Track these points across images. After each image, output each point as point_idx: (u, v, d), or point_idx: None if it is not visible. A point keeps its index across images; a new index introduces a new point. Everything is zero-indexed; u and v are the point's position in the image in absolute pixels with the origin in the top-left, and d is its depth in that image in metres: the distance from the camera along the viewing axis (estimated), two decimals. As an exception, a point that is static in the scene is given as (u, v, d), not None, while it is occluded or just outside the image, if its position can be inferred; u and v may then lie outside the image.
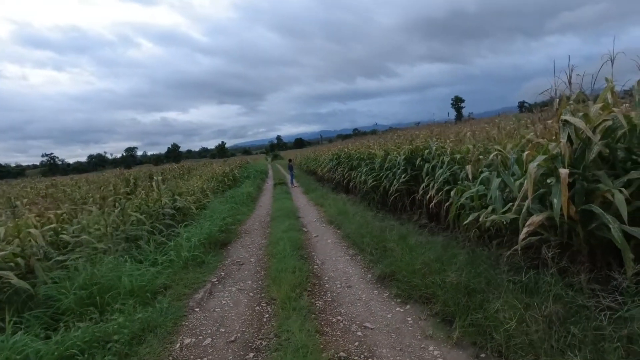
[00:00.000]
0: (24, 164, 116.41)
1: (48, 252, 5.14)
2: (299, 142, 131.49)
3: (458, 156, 6.32)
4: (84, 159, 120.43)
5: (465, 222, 4.65)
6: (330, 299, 3.92)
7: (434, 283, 3.42)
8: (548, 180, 3.04)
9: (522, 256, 3.19)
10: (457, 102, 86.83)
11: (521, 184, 3.28)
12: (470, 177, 5.09)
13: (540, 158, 2.83)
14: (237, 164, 27.62)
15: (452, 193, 5.70)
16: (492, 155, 3.99)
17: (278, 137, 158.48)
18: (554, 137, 3.23)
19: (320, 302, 3.86)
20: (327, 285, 4.37)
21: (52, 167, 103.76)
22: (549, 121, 3.41)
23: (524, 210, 3.01)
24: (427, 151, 7.53)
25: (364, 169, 10.53)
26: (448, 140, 7.33)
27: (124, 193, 8.96)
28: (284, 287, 3.99)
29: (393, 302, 3.63)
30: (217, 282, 4.84)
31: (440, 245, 4.39)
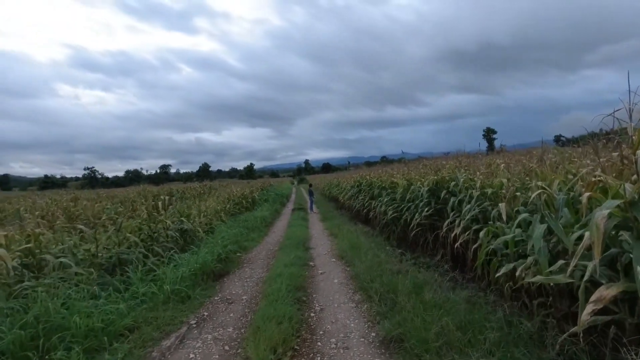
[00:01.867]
0: (68, 175, 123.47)
1: (21, 275, 4.68)
2: (327, 167, 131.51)
3: (489, 191, 5.43)
4: (121, 173, 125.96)
5: (497, 275, 3.74)
6: (318, 367, 3.10)
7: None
8: (620, 237, 2.16)
9: (581, 339, 2.29)
10: (489, 133, 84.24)
11: (579, 237, 2.41)
12: (504, 217, 4.20)
13: (611, 204, 1.98)
14: (258, 186, 27.36)
15: (481, 234, 4.81)
16: (534, 194, 3.13)
17: (306, 161, 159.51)
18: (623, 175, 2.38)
19: (304, 371, 3.04)
20: (319, 343, 3.54)
21: (92, 180, 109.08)
22: (615, 154, 2.56)
23: (586, 275, 2.13)
24: (453, 183, 6.65)
25: (385, 199, 9.69)
26: (478, 172, 6.44)
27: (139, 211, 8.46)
28: (262, 345, 3.21)
29: (397, 381, 2.75)
30: (195, 325, 4.12)
31: (464, 304, 3.48)
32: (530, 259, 3.37)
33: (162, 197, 8.64)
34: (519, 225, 3.95)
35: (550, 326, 3.09)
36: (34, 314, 3.46)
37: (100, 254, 5.95)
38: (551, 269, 2.61)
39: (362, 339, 3.53)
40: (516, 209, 4.50)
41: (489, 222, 5.01)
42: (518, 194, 4.44)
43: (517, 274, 3.41)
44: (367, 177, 13.58)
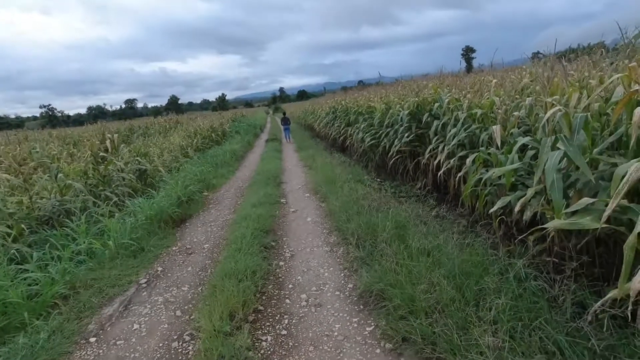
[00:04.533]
0: (23, 115, 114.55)
1: None
2: (302, 94, 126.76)
3: (478, 112, 4.77)
4: (84, 110, 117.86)
5: (491, 210, 3.24)
6: (285, 332, 2.61)
7: (450, 338, 2.05)
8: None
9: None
10: (468, 52, 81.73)
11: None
12: (498, 141, 3.59)
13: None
14: (229, 117, 25.78)
15: (468, 161, 4.25)
16: (549, 113, 2.45)
17: (281, 89, 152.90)
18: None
19: (268, 340, 2.54)
20: (287, 301, 3.05)
21: (51, 119, 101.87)
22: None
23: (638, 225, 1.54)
24: (436, 105, 5.94)
25: (362, 125, 8.96)
26: (464, 92, 5.71)
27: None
28: (217, 310, 2.67)
29: (379, 349, 2.30)
30: (145, 285, 3.55)
31: (456, 249, 2.98)
32: (530, 191, 2.83)
33: (108, 135, 7.54)
34: (509, 151, 3.37)
35: (551, 269, 2.68)
36: None
37: (37, 206, 5.14)
38: (572, 209, 2.04)
39: (338, 293, 3.06)
40: (511, 131, 3.90)
41: (478, 148, 4.46)
42: (516, 113, 3.77)
43: (517, 209, 2.90)
44: (343, 102, 12.62)
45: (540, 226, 2.43)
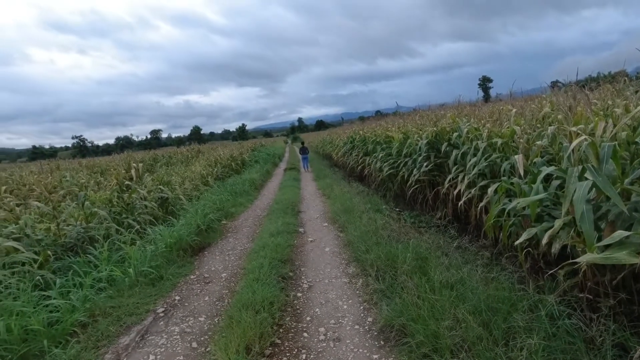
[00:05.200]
0: (57, 145, 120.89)
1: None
2: (320, 124, 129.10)
3: (499, 141, 4.72)
4: (112, 141, 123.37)
5: (517, 242, 3.11)
6: (302, 368, 2.52)
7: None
8: None
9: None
10: (485, 82, 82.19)
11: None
12: (521, 171, 3.51)
13: None
14: (248, 146, 26.38)
15: (489, 190, 4.16)
16: (575, 142, 2.39)
17: (299, 119, 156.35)
18: None
19: (284, 376, 2.46)
20: (305, 334, 2.96)
21: (82, 149, 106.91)
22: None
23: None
24: (455, 134, 5.91)
25: (380, 155, 8.99)
26: (483, 121, 5.70)
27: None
28: (234, 343, 2.61)
29: (401, 390, 2.18)
30: (162, 315, 3.53)
31: (481, 283, 2.85)
32: (558, 223, 2.72)
33: (134, 164, 7.81)
34: (534, 181, 3.28)
35: (585, 306, 2.52)
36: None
37: (63, 233, 5.28)
38: (605, 242, 1.94)
39: (357, 327, 2.95)
40: (534, 160, 3.82)
41: (499, 178, 4.37)
42: (539, 142, 3.71)
43: (544, 241, 2.78)
44: (361, 132, 12.76)
45: (571, 260, 2.31)
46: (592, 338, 2.02)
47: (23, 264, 4.12)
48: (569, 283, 2.79)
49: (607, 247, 1.96)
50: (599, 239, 2.11)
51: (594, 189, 2.31)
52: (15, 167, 22.36)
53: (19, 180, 10.92)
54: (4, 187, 8.73)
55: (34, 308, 3.18)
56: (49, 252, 4.56)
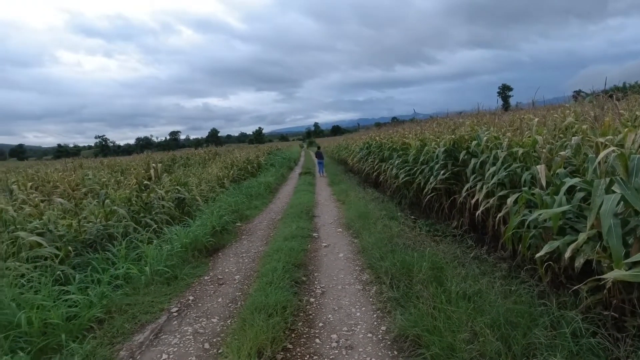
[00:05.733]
0: (81, 144, 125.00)
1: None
2: (336, 130, 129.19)
3: (520, 151, 4.61)
4: (132, 141, 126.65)
5: (537, 255, 3.02)
6: (313, 375, 2.50)
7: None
8: None
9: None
10: (505, 91, 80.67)
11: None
12: (543, 182, 3.41)
13: None
14: (264, 150, 26.61)
15: (509, 201, 4.06)
16: (602, 154, 2.31)
17: (315, 124, 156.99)
18: None
19: (296, 382, 2.44)
20: (317, 340, 2.93)
21: (104, 149, 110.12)
22: None
23: None
24: (474, 143, 5.81)
25: (396, 162, 8.91)
26: (503, 130, 5.59)
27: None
28: (246, 345, 2.61)
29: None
30: (175, 314, 3.57)
31: (500, 296, 2.77)
32: (582, 237, 2.63)
33: (153, 164, 7.96)
34: (557, 192, 3.19)
35: (610, 325, 2.41)
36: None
37: (84, 230, 5.42)
38: (634, 258, 1.86)
39: (370, 335, 2.91)
40: (557, 171, 3.72)
41: (519, 188, 4.26)
42: (563, 153, 3.61)
43: (567, 255, 2.69)
44: (377, 138, 12.70)
45: (597, 277, 2.22)
46: (619, 359, 1.93)
47: (45, 259, 4.25)
48: (592, 299, 2.70)
49: (634, 263, 1.88)
50: (627, 255, 2.03)
51: (621, 202, 2.22)
52: (41, 164, 23.18)
53: (44, 177, 11.30)
54: (29, 184, 9.06)
55: (54, 302, 3.26)
56: (69, 247, 4.69)
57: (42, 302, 3.12)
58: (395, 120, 18.53)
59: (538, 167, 3.52)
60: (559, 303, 2.56)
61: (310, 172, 16.95)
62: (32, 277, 3.65)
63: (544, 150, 3.93)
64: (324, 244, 5.61)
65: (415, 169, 7.58)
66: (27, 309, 2.98)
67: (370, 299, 3.55)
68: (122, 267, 4.35)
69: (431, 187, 6.54)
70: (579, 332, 2.12)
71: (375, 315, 3.22)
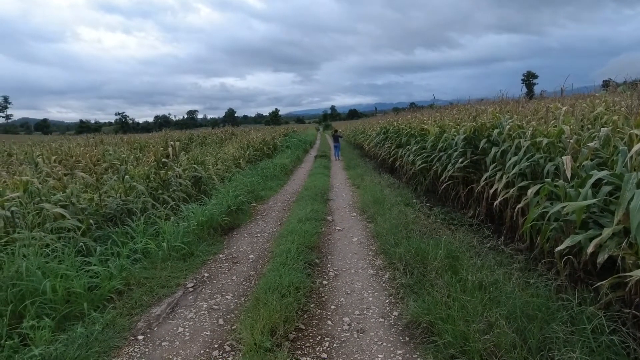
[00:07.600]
0: (101, 120, 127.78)
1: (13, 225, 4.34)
2: (353, 113, 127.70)
3: (544, 141, 4.44)
4: (151, 119, 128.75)
5: (558, 249, 2.95)
6: (325, 356, 2.53)
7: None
8: None
9: None
10: (529, 78, 77.59)
11: None
12: (568, 174, 3.28)
13: None
14: (280, 132, 26.59)
15: (529, 192, 3.94)
16: (637, 146, 2.19)
17: (332, 107, 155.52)
18: None
19: (307, 361, 2.48)
20: (329, 322, 2.97)
21: (123, 125, 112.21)
22: None
23: None
24: (496, 131, 5.63)
25: (413, 148, 8.76)
26: (527, 118, 5.40)
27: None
28: (259, 323, 2.66)
29: (426, 387, 2.14)
30: (191, 290, 3.66)
31: (517, 289, 2.73)
32: (607, 232, 2.54)
33: (171, 143, 8.05)
34: (582, 185, 3.08)
35: (631, 323, 2.35)
36: (7, 274, 3.06)
37: (104, 204, 5.57)
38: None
39: (382, 320, 2.93)
40: (582, 163, 3.59)
41: (541, 179, 4.14)
42: (591, 144, 3.46)
43: (589, 250, 2.61)
44: (395, 123, 12.48)
45: (622, 274, 2.15)
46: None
47: (68, 230, 4.41)
48: (612, 296, 2.63)
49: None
50: (656, 253, 1.95)
51: (654, 198, 2.12)
52: (64, 138, 23.82)
53: (67, 151, 11.62)
54: (53, 157, 9.34)
55: (77, 272, 3.39)
56: (91, 220, 4.83)
57: (65, 272, 3.24)
58: (414, 106, 18.12)
59: (564, 157, 3.39)
60: (579, 298, 2.50)
61: (326, 156, 16.89)
62: (56, 247, 3.79)
63: (570, 140, 3.78)
64: (338, 228, 5.62)
65: (433, 155, 7.44)
66: (51, 277, 3.10)
67: (383, 285, 3.56)
68: (141, 242, 4.47)
69: (448, 175, 6.42)
70: (599, 329, 2.07)
71: (387, 301, 3.23)
